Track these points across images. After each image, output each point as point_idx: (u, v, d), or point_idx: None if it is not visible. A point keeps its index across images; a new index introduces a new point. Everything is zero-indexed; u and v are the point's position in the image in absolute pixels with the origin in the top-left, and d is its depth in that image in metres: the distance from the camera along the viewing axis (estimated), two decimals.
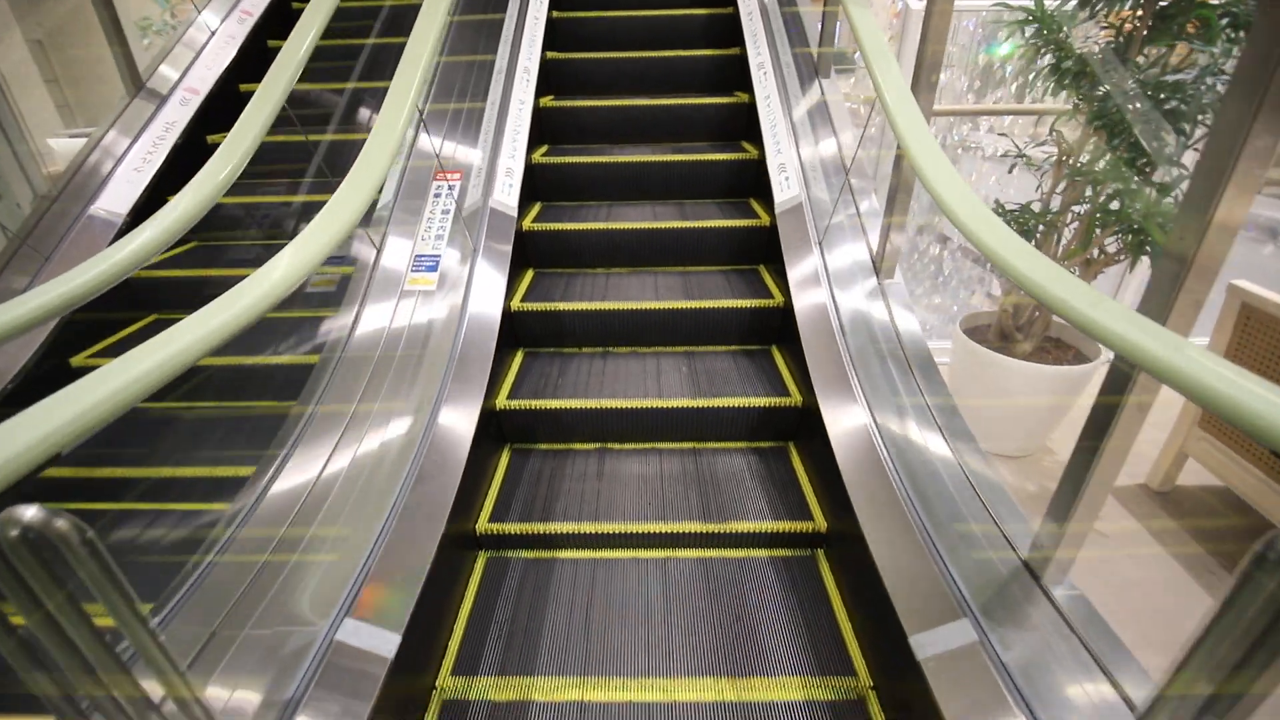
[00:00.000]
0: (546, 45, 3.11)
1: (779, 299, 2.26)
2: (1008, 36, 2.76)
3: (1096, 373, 2.85)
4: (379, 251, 2.09)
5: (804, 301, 2.07)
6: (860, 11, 1.84)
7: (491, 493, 1.88)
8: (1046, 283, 0.99)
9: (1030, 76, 2.71)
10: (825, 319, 1.98)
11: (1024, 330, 3.03)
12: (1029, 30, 2.68)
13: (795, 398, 2.01)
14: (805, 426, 1.99)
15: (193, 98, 2.83)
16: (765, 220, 2.51)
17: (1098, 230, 2.72)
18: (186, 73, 2.90)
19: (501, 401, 2.00)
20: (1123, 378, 1.05)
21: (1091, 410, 1.12)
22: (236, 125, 1.50)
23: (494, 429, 2.00)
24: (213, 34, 3.10)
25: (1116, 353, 0.87)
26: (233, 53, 3.08)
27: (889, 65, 1.66)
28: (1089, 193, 2.74)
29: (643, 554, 1.78)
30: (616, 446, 2.09)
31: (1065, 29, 2.60)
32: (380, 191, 2.22)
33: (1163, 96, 2.38)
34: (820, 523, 1.75)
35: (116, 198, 2.42)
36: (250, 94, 1.61)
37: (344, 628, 1.19)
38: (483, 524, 1.74)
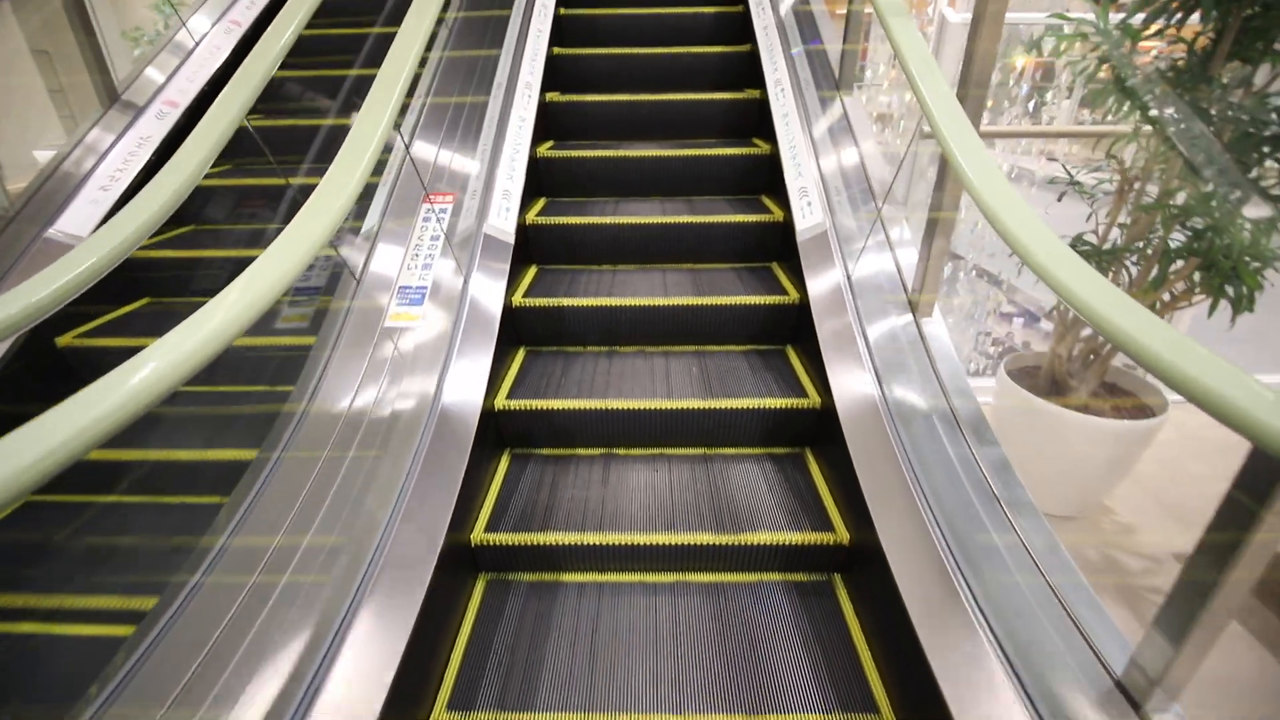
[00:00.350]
0: (548, 85, 3.02)
1: (794, 295, 2.15)
2: (1063, 51, 2.53)
3: (1164, 427, 2.59)
4: (358, 282, 1.85)
5: (837, 358, 1.82)
6: (900, 23, 1.64)
7: (488, 501, 1.76)
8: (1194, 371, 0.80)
9: (1088, 94, 2.48)
10: (861, 368, 1.75)
11: (1078, 376, 2.75)
12: (1088, 44, 2.46)
13: (813, 399, 1.88)
14: (823, 432, 1.86)
15: (171, 111, 2.60)
16: (779, 216, 2.42)
17: (1174, 269, 2.46)
18: (166, 84, 2.68)
19: (500, 402, 1.89)
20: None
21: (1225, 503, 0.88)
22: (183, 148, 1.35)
23: (492, 433, 1.89)
24: (197, 44, 2.91)
25: None
26: (218, 64, 2.86)
27: (939, 85, 1.46)
28: (1157, 219, 2.49)
29: (651, 577, 1.68)
30: (623, 452, 1.97)
31: (1130, 43, 2.38)
32: (363, 218, 2.07)
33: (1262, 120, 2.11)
34: (842, 534, 1.62)
35: (78, 220, 2.16)
36: None
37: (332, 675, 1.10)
38: (478, 534, 1.62)
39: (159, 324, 2.29)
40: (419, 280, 1.87)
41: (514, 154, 2.40)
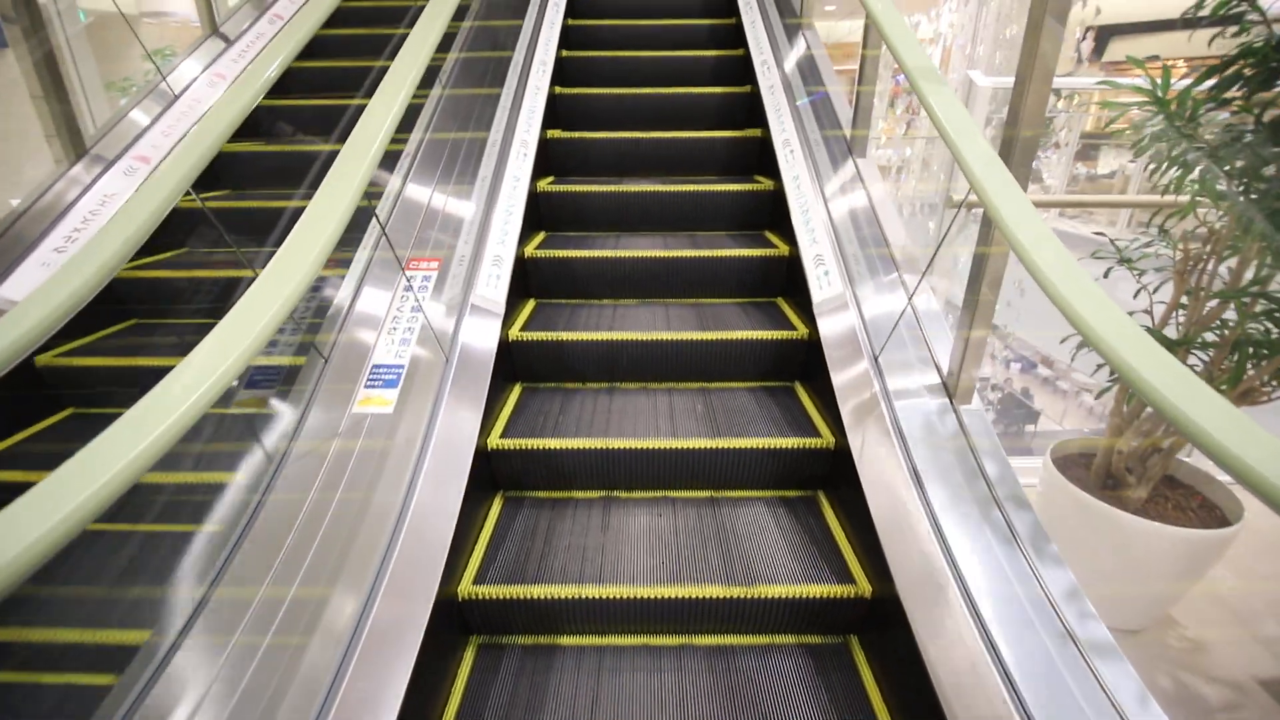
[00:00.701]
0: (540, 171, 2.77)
1: (802, 331, 2.07)
2: (1110, 121, 2.42)
3: (1239, 537, 2.29)
4: (325, 361, 1.64)
5: (868, 458, 1.57)
6: (935, 88, 1.47)
7: (477, 552, 1.63)
8: None
9: (1152, 169, 2.26)
10: (898, 471, 1.48)
11: (1136, 471, 2.41)
12: (1145, 114, 2.23)
13: (826, 439, 1.77)
14: (837, 474, 1.75)
15: (141, 167, 2.44)
16: (784, 250, 2.36)
17: (1254, 365, 2.20)
18: (139, 138, 2.51)
19: (494, 441, 1.78)
20: None
21: None
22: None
23: (484, 475, 1.77)
24: (177, 97, 2.76)
25: None
26: (198, 116, 2.70)
27: (984, 152, 1.32)
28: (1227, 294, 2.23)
29: (655, 640, 1.54)
30: (624, 495, 1.84)
31: (1195, 113, 2.14)
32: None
33: None
34: (864, 587, 1.48)
35: (26, 284, 1.96)
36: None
37: None
38: (465, 587, 1.48)
39: (141, 347, 2.18)
40: (395, 358, 1.67)
41: (495, 256, 2.10)
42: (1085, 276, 1.03)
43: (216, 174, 2.91)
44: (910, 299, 1.79)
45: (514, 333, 2.06)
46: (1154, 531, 2.23)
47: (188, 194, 1.30)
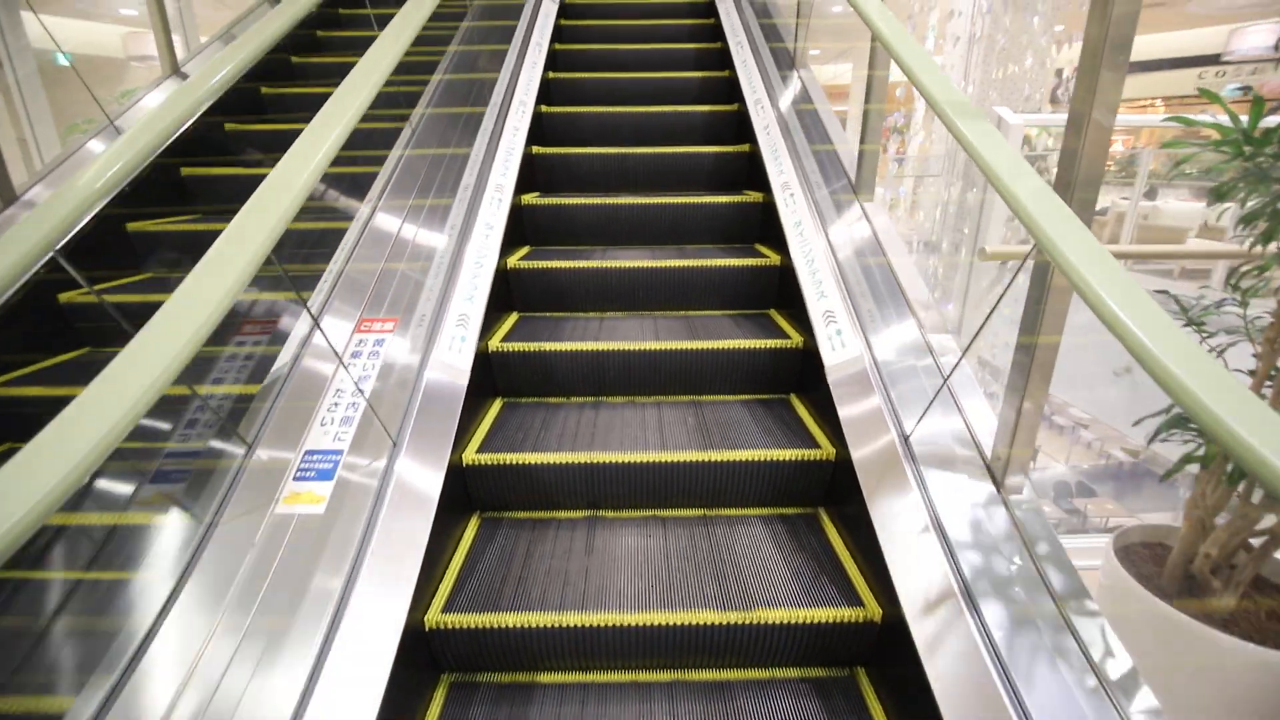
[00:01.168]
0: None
1: (796, 339, 1.97)
2: (1181, 162, 2.12)
3: None
4: (250, 448, 1.35)
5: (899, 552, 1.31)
6: (977, 125, 1.25)
7: (448, 577, 1.47)
8: None
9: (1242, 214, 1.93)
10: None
11: (1222, 572, 1.96)
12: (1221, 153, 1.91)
13: (826, 450, 1.65)
14: (838, 488, 1.62)
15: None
16: (776, 260, 2.27)
17: None
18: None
19: (470, 456, 1.64)
20: None
21: None
22: None
23: (459, 494, 1.63)
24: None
25: None
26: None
27: (1044, 193, 1.10)
28: None
29: (643, 676, 1.40)
30: (610, 514, 1.70)
31: None
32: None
33: None
34: (874, 609, 1.34)
35: None
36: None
37: None
38: (433, 615, 1.32)
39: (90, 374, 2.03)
40: (333, 441, 1.38)
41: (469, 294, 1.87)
42: (1192, 343, 0.84)
43: (190, 194, 2.80)
44: (946, 380, 1.52)
45: (494, 344, 1.95)
46: (1253, 654, 1.73)
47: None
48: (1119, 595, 2.03)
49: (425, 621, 1.32)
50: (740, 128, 3.00)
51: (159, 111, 1.39)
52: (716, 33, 3.63)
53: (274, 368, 1.55)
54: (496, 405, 1.99)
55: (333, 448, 1.35)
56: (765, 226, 2.58)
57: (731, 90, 3.22)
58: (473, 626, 1.32)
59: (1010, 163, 1.17)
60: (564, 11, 3.80)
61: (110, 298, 2.19)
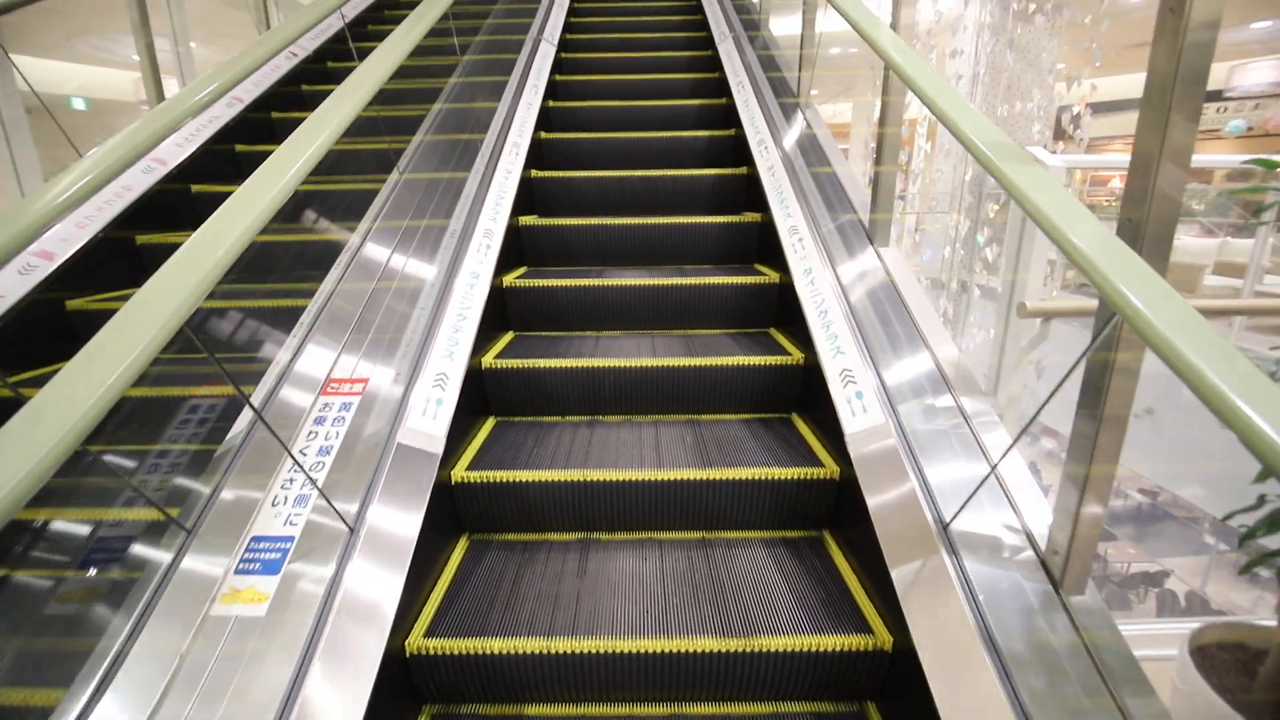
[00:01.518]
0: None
1: (797, 356, 1.92)
2: (1265, 208, 2.00)
3: None
4: (189, 533, 1.16)
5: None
6: (1023, 169, 1.06)
7: (432, 601, 1.40)
8: None
9: None
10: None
11: None
12: None
13: (830, 469, 1.58)
14: (844, 510, 1.55)
15: (41, 264, 2.05)
16: (775, 278, 2.23)
17: None
18: (44, 230, 2.27)
19: (459, 473, 1.58)
20: None
21: None
22: None
23: (447, 514, 1.57)
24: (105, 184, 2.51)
25: None
26: (122, 206, 2.31)
27: (1108, 240, 0.89)
28: None
29: (639, 710, 1.32)
30: (604, 537, 1.63)
31: None
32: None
33: None
34: (884, 638, 1.26)
35: None
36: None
37: None
38: (415, 639, 1.25)
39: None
40: (282, 527, 1.18)
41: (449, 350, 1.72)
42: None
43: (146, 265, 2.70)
44: (994, 467, 1.27)
45: (488, 361, 1.91)
46: None
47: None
48: (1200, 713, 1.66)
49: (406, 647, 1.23)
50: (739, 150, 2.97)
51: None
52: (721, 86, 3.58)
53: (234, 431, 1.38)
54: (489, 424, 1.94)
55: (283, 533, 1.17)
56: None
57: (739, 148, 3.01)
58: (457, 652, 1.24)
59: (1068, 210, 0.97)
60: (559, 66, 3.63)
61: (114, 305, 2.14)
